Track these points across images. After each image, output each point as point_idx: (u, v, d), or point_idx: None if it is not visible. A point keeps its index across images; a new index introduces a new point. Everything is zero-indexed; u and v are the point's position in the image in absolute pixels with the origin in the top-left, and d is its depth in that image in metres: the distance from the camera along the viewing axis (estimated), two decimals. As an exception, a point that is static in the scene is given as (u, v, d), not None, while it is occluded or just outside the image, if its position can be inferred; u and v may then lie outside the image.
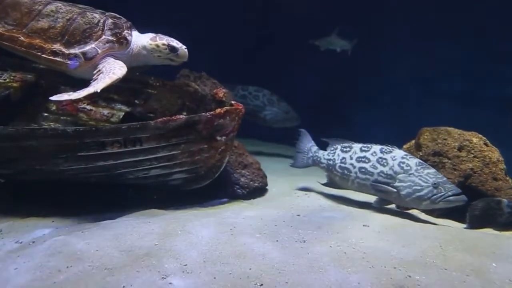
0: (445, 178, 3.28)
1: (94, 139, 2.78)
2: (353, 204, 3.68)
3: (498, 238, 2.97)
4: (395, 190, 3.31)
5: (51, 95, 4.05)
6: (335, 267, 2.24)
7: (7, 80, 3.63)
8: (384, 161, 3.41)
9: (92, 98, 2.90)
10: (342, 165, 3.63)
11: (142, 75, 4.00)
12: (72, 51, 2.81)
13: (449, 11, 6.13)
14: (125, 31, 2.91)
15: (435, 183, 3.19)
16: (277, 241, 2.55)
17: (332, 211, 3.43)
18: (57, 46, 2.82)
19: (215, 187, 3.46)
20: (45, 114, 4.02)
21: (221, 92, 3.43)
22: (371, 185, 3.44)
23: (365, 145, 3.59)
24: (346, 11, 6.52)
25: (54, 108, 4.04)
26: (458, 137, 3.73)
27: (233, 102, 3.25)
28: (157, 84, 3.95)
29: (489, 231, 3.29)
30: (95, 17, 2.92)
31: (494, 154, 3.64)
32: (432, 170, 3.30)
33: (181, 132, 2.91)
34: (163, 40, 2.93)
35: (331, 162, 3.75)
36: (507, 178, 3.60)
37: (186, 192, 3.36)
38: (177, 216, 2.92)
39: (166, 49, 2.92)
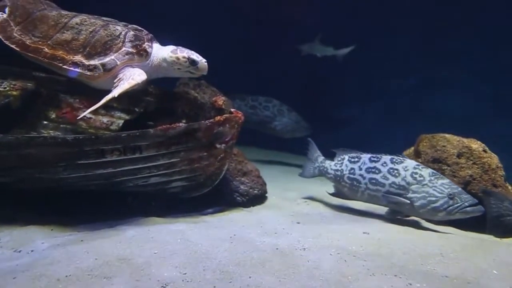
0: (460, 188, 3.23)
1: (93, 147, 2.78)
2: (353, 212, 3.68)
3: (499, 245, 2.96)
4: (408, 201, 3.25)
5: (51, 103, 4.12)
6: (335, 275, 2.23)
7: (7, 88, 3.64)
8: (396, 171, 3.35)
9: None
10: (351, 176, 3.57)
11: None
12: (92, 62, 2.85)
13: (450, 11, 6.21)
14: (146, 43, 2.94)
15: (450, 194, 3.14)
16: (277, 249, 2.54)
17: (332, 219, 3.43)
18: (78, 58, 2.87)
19: (215, 194, 3.45)
20: (45, 122, 4.02)
21: (221, 100, 3.44)
22: (383, 197, 3.37)
23: (374, 156, 3.53)
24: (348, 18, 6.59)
25: (53, 116, 4.04)
26: (457, 143, 3.73)
27: (232, 110, 3.26)
28: (157, 92, 3.96)
29: (490, 238, 3.29)
30: (117, 29, 2.96)
31: (493, 160, 3.65)
32: (446, 181, 3.25)
33: (180, 140, 2.91)
34: (184, 53, 2.95)
35: (338, 173, 3.68)
36: (507, 184, 3.60)
37: (186, 199, 3.35)
38: (176, 224, 2.91)
39: (186, 62, 2.94)
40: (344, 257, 2.47)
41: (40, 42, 2.95)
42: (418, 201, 3.22)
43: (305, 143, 5.89)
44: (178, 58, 2.94)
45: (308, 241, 2.71)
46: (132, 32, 2.97)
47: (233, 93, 5.97)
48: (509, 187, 3.60)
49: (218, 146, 3.06)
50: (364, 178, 3.48)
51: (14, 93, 3.66)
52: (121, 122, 4.00)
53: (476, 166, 3.60)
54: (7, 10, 3.13)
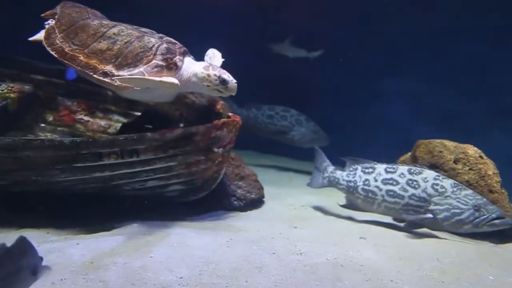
0: (485, 199, 3.13)
1: (91, 150, 2.77)
2: (350, 217, 3.68)
3: (494, 250, 2.97)
4: (431, 215, 3.13)
5: (49, 106, 4.12)
6: (332, 280, 2.23)
7: (5, 90, 3.64)
8: (415, 183, 3.22)
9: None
10: (366, 187, 3.41)
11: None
12: (121, 73, 2.84)
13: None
14: (177, 57, 2.91)
15: (476, 205, 3.03)
16: (274, 253, 2.54)
17: (330, 224, 3.43)
18: (109, 68, 2.87)
19: (212, 198, 3.44)
20: (42, 124, 4.01)
21: (219, 104, 3.44)
22: (405, 216, 3.24)
23: (390, 166, 3.39)
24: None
25: (51, 118, 4.04)
26: (454, 149, 3.75)
27: (230, 114, 3.27)
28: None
29: (486, 243, 3.29)
30: (150, 41, 2.96)
31: (490, 166, 3.66)
32: (470, 191, 3.15)
33: (178, 144, 2.91)
34: (215, 71, 2.91)
35: (352, 184, 3.51)
36: (503, 190, 3.61)
37: (183, 203, 3.35)
38: (173, 228, 2.90)
39: (216, 80, 2.89)
40: (341, 262, 2.47)
41: (77, 50, 2.98)
42: (441, 213, 3.09)
43: (307, 150, 5.90)
44: (209, 75, 2.90)
45: (305, 245, 2.71)
46: (165, 45, 2.95)
47: (248, 102, 5.93)
48: (505, 193, 3.62)
49: (215, 150, 3.06)
50: (380, 189, 3.33)
51: (12, 95, 3.65)
52: (118, 125, 4.00)
53: (473, 172, 3.62)
54: (56, 17, 3.21)
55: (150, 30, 3.14)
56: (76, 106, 4.10)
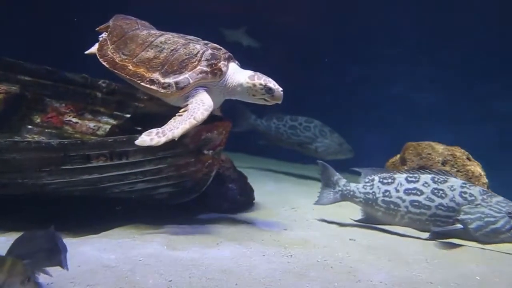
0: None
1: (79, 152, 2.74)
2: (340, 219, 3.69)
3: (482, 252, 3.01)
4: (461, 226, 2.98)
5: (36, 107, 4.07)
6: (321, 282, 2.24)
7: (-9, 91, 3.58)
8: (441, 192, 3.06)
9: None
10: (386, 198, 3.21)
11: (130, 88, 3.99)
12: (167, 80, 2.88)
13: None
14: (222, 62, 2.93)
15: (510, 212, 2.89)
16: (263, 255, 2.53)
17: (319, 226, 3.44)
18: (155, 75, 2.91)
19: (202, 201, 3.43)
20: (29, 126, 3.96)
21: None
22: (433, 228, 3.09)
23: (411, 175, 3.21)
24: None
25: (38, 120, 3.99)
26: (442, 151, 3.81)
27: (220, 115, 3.27)
28: (145, 97, 3.94)
29: (473, 245, 3.34)
30: (196, 48, 2.98)
31: (477, 168, 3.73)
32: (501, 198, 2.99)
33: (168, 146, 2.90)
34: (261, 80, 2.90)
35: (370, 196, 3.29)
36: (490, 191, 3.67)
37: (173, 206, 3.32)
38: (162, 230, 2.88)
39: (262, 89, 2.89)
40: (331, 264, 2.48)
41: (126, 60, 3.04)
42: (473, 223, 2.93)
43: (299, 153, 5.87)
44: (254, 85, 2.90)
45: (294, 247, 2.71)
46: (209, 51, 2.97)
47: (269, 112, 5.79)
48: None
49: (206, 152, 3.05)
50: (403, 201, 3.15)
51: (-2, 96, 3.60)
52: (108, 127, 3.96)
53: (460, 173, 3.68)
54: (108, 30, 3.30)
55: (196, 38, 3.18)
56: (64, 108, 4.06)
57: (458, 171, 3.68)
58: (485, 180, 3.68)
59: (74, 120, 4.02)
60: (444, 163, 3.75)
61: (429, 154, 3.82)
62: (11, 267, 1.49)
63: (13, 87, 3.80)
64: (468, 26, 6.01)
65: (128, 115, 3.99)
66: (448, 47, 6.20)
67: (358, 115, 6.51)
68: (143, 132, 2.70)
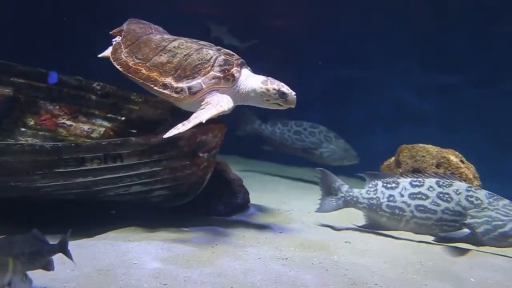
0: None
1: (73, 155, 2.73)
2: (335, 222, 3.70)
3: (475, 253, 3.03)
4: (468, 231, 2.97)
5: (30, 110, 4.04)
6: (317, 285, 2.24)
7: (-16, 94, 3.55)
8: (447, 196, 3.03)
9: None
10: (391, 203, 3.16)
11: (124, 91, 3.97)
12: (179, 84, 2.88)
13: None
14: (234, 68, 2.94)
15: None
16: (259, 259, 2.53)
17: (314, 228, 3.44)
18: (168, 80, 2.92)
19: (197, 204, 3.41)
20: (23, 129, 3.93)
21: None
22: (439, 233, 3.07)
23: (415, 179, 3.17)
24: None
25: (32, 123, 3.96)
26: (436, 154, 3.84)
27: (215, 118, 3.26)
28: (140, 100, 3.93)
29: (467, 247, 3.36)
30: (209, 53, 2.99)
31: (470, 171, 3.76)
32: (507, 201, 2.97)
33: (163, 149, 2.89)
34: (274, 84, 2.90)
35: (374, 201, 3.24)
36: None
37: (168, 209, 3.31)
38: (157, 233, 2.87)
39: (275, 94, 2.89)
40: (326, 267, 2.48)
41: (140, 64, 3.04)
42: (480, 227, 2.91)
43: (294, 156, 5.84)
44: (268, 90, 2.90)
45: (290, 250, 2.71)
46: (222, 57, 2.98)
47: (273, 117, 5.79)
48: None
49: (201, 155, 3.04)
50: (408, 205, 3.11)
51: (-9, 99, 3.57)
52: (102, 129, 3.94)
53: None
54: (122, 34, 3.30)
55: (209, 43, 3.19)
56: (58, 110, 4.03)
57: (452, 173, 3.71)
58: (478, 183, 3.71)
59: (68, 122, 3.99)
60: (438, 165, 3.78)
61: (423, 156, 3.85)
62: (14, 267, 1.59)
63: (6, 90, 3.77)
64: (461, 30, 6.09)
65: (123, 118, 3.97)
66: (442, 51, 6.26)
67: (352, 117, 6.52)
68: (138, 135, 2.69)
